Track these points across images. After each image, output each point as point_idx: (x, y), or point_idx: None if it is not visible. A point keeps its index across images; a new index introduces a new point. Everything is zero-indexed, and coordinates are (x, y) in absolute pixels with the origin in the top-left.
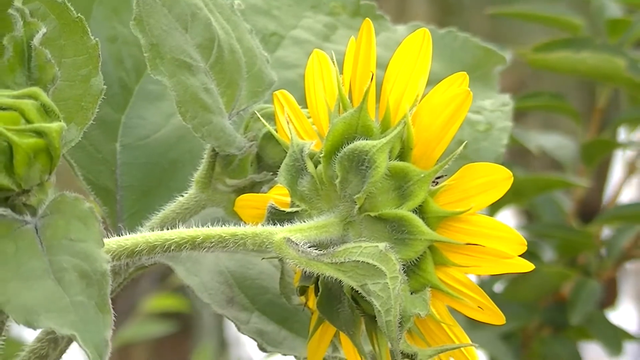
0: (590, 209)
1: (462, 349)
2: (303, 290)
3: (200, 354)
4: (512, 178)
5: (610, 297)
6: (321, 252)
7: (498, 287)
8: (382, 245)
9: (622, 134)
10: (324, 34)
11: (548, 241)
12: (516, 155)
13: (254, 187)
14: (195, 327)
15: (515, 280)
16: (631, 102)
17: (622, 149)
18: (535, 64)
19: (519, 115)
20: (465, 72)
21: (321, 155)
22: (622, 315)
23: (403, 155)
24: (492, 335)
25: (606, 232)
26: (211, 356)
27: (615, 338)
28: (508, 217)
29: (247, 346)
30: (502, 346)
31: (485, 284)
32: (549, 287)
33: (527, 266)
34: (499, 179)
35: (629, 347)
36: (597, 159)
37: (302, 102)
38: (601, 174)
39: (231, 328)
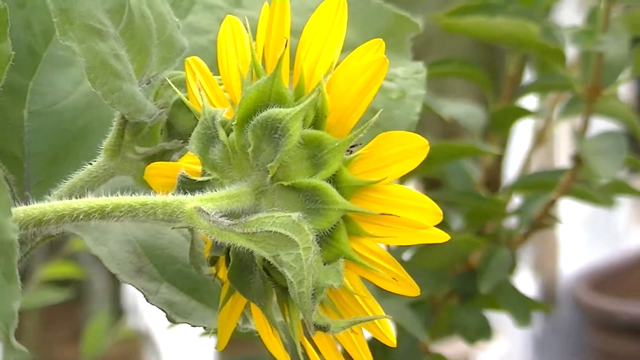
0: (493, 178)
1: (375, 320)
2: (214, 261)
3: (95, 322)
4: (428, 147)
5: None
6: (233, 221)
7: (406, 256)
8: (295, 215)
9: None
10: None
11: (457, 209)
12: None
13: (164, 156)
14: (90, 295)
15: (424, 248)
16: (542, 69)
17: (532, 117)
18: (449, 29)
19: None
20: (381, 39)
21: (233, 123)
22: (521, 283)
23: (317, 123)
24: (400, 304)
25: (515, 200)
26: (106, 324)
27: (524, 307)
28: (412, 186)
29: (144, 315)
30: (410, 315)
31: (394, 253)
32: (458, 255)
33: (443, 236)
34: (415, 147)
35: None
36: (506, 127)
37: (214, 68)
38: (503, 143)
39: (128, 296)
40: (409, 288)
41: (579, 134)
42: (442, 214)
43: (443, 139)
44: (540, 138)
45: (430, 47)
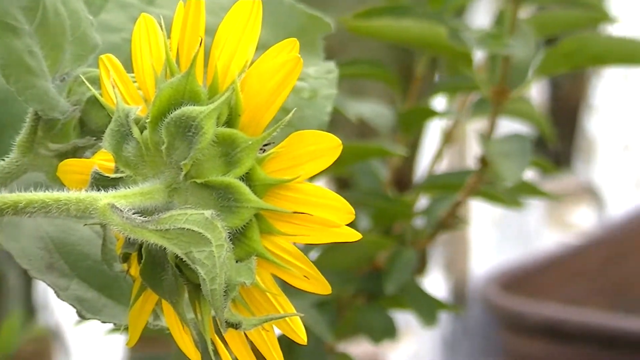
0: (403, 179)
1: (286, 318)
2: (126, 257)
3: (8, 320)
4: (341, 146)
5: (419, 266)
6: (146, 218)
7: (312, 256)
8: (208, 213)
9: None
10: None
11: (364, 209)
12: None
13: (77, 152)
14: (3, 292)
15: (330, 248)
16: (450, 71)
17: (439, 118)
18: (357, 31)
19: None
20: (295, 39)
21: (147, 121)
22: (431, 284)
23: (231, 121)
24: (306, 304)
25: (422, 201)
26: (20, 322)
27: (430, 308)
28: (323, 185)
29: (55, 311)
30: (316, 314)
31: (302, 252)
32: (364, 255)
33: (354, 235)
34: (328, 147)
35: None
36: (414, 127)
37: (127, 66)
38: (413, 144)
39: (39, 293)
40: (320, 286)
41: (485, 136)
42: (354, 212)
43: (358, 139)
44: (448, 139)
45: (346, 47)
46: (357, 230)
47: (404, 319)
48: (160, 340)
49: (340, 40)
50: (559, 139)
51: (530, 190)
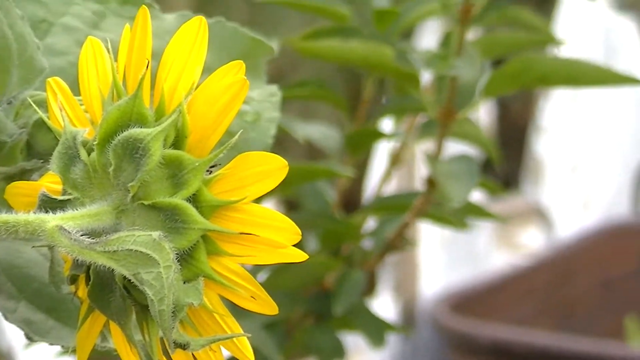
0: (352, 200)
1: (233, 339)
2: (74, 279)
3: None
4: (287, 167)
5: (368, 287)
6: (94, 240)
7: (261, 277)
8: (155, 234)
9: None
10: (93, 22)
11: (312, 231)
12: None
13: (24, 175)
14: None
15: (279, 269)
16: (397, 92)
17: (387, 140)
18: (304, 52)
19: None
20: (241, 61)
21: (95, 143)
22: (381, 305)
23: (178, 143)
24: (255, 325)
25: (370, 223)
26: None
27: (377, 329)
28: (271, 207)
29: (6, 334)
30: (264, 335)
31: (250, 273)
32: (312, 277)
33: (301, 256)
34: (275, 168)
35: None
36: (362, 149)
37: (74, 89)
38: (362, 165)
39: None
40: (268, 307)
41: (432, 157)
42: (300, 233)
43: (307, 161)
44: (396, 160)
45: (297, 68)
46: (306, 251)
47: (353, 339)
48: None
49: (291, 61)
50: (508, 160)
51: (478, 211)
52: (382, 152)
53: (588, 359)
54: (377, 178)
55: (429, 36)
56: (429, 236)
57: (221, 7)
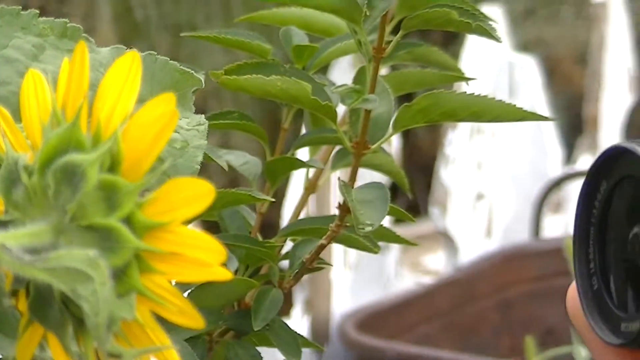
0: (273, 223)
1: (163, 351)
2: (15, 293)
3: None
4: (214, 192)
5: (285, 306)
6: (34, 257)
7: (185, 295)
8: (91, 253)
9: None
10: (33, 54)
11: (233, 252)
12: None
13: None
14: None
15: (201, 287)
16: (315, 124)
17: (304, 168)
18: (227, 86)
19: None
20: (172, 93)
21: (35, 167)
22: (294, 322)
23: (113, 168)
24: (179, 339)
25: (288, 245)
26: None
27: (294, 344)
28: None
29: None
30: (189, 349)
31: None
32: (234, 295)
33: (226, 274)
34: (202, 192)
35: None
36: (281, 176)
37: (16, 117)
38: (280, 191)
39: None
40: (195, 321)
41: (346, 185)
42: (225, 253)
43: (229, 187)
44: (311, 187)
45: (219, 95)
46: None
47: (270, 353)
48: None
49: (213, 89)
50: (418, 187)
51: (389, 235)
52: (297, 180)
53: None
54: (293, 204)
55: (339, 73)
56: (339, 258)
57: (147, 41)
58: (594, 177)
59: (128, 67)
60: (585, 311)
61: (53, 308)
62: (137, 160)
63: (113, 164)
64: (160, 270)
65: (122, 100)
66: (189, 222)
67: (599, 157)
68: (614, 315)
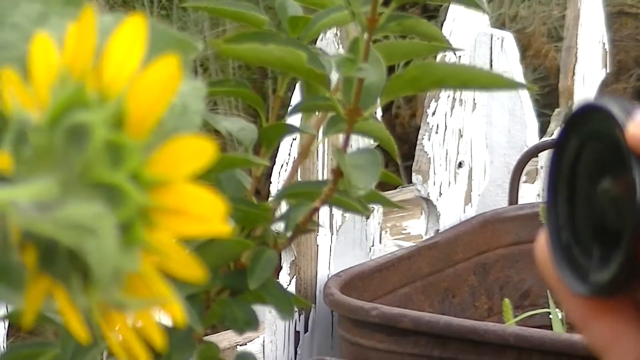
0: (266, 187)
1: (167, 303)
2: (22, 247)
3: None
4: (215, 149)
5: (275, 268)
6: (42, 213)
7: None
8: (97, 208)
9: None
10: (38, 20)
11: (231, 214)
12: None
13: None
14: None
15: (199, 247)
16: (309, 91)
17: (298, 134)
18: (226, 54)
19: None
20: (175, 56)
21: (43, 126)
22: (282, 281)
23: (119, 127)
24: (178, 297)
25: (283, 207)
26: None
27: (286, 302)
28: None
29: None
30: (187, 306)
31: None
32: (230, 255)
33: (227, 229)
34: (204, 149)
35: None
36: (275, 141)
37: (25, 79)
38: (272, 156)
39: None
40: (197, 272)
41: (339, 150)
42: (226, 208)
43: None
44: (304, 152)
45: (207, 67)
46: None
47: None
48: (38, 333)
49: (201, 60)
50: (402, 156)
51: (379, 198)
52: (290, 145)
53: (469, 334)
54: (287, 168)
55: (322, 46)
56: (326, 223)
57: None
58: (565, 133)
59: (133, 29)
60: (554, 263)
61: (60, 261)
62: (142, 119)
63: (119, 123)
64: (164, 226)
65: (128, 62)
66: (192, 180)
67: (571, 115)
68: (582, 267)
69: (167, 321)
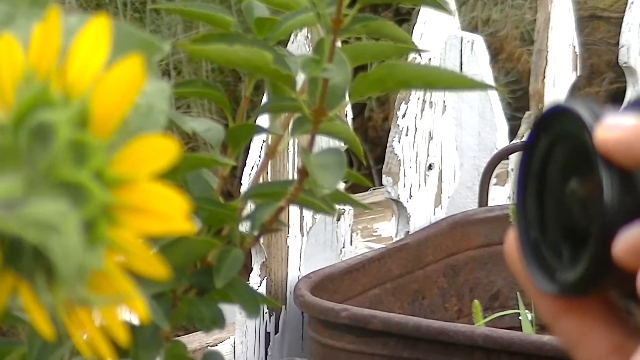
0: (230, 188)
1: (130, 300)
2: None
3: None
4: (178, 148)
5: (243, 272)
6: (7, 210)
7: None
8: (61, 206)
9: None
10: (5, 21)
11: (197, 214)
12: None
13: None
14: None
15: (166, 247)
16: (276, 92)
17: (265, 134)
18: (193, 54)
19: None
20: (139, 56)
21: (8, 126)
22: (252, 283)
23: (83, 127)
24: (145, 296)
25: (250, 207)
26: None
27: (253, 301)
28: None
29: None
30: (154, 305)
31: None
32: (196, 254)
33: (190, 227)
34: (167, 148)
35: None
36: (242, 142)
37: None
38: (243, 157)
39: None
40: (160, 271)
41: (304, 150)
42: (188, 207)
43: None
44: (272, 152)
45: (180, 69)
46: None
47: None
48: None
49: (174, 63)
50: (372, 158)
51: (344, 198)
52: (257, 145)
53: (439, 335)
54: (253, 169)
55: (294, 48)
56: (296, 225)
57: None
58: (535, 132)
59: (97, 30)
60: (523, 261)
61: (25, 259)
62: (105, 119)
63: (83, 123)
64: (128, 224)
65: (92, 62)
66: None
67: (541, 115)
68: (550, 266)
69: (135, 320)
